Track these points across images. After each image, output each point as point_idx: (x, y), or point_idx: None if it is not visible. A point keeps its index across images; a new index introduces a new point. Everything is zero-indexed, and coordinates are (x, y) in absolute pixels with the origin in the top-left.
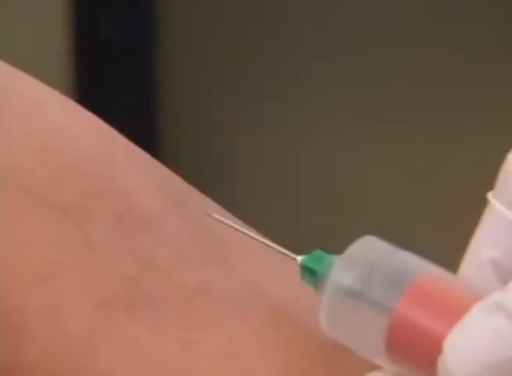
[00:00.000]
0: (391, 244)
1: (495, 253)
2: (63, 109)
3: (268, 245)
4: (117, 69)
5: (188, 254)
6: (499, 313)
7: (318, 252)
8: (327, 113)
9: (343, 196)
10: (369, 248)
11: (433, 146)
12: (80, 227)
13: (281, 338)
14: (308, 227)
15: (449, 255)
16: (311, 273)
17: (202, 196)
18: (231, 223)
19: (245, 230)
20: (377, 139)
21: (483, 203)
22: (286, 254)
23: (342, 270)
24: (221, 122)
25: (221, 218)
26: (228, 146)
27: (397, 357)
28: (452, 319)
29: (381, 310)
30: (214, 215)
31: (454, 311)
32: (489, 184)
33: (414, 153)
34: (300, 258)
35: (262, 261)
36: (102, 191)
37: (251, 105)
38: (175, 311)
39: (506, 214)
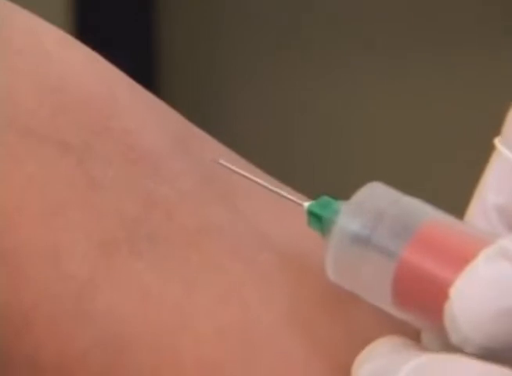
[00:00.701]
0: (398, 191)
1: (501, 199)
2: (66, 47)
3: (274, 191)
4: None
5: (192, 194)
6: (506, 260)
7: (325, 198)
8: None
9: (345, 140)
10: (376, 194)
11: (438, 88)
12: (82, 166)
13: (285, 282)
14: (306, 172)
15: (456, 202)
16: (317, 219)
17: (206, 135)
18: (237, 169)
19: (251, 176)
20: (380, 75)
21: (490, 148)
22: (292, 200)
23: (349, 216)
24: (219, 57)
25: (228, 164)
26: (229, 88)
27: (404, 304)
28: (458, 266)
29: (388, 256)
30: (221, 160)
31: (461, 257)
32: (496, 128)
33: (418, 98)
34: (306, 204)
35: (268, 203)
36: (104, 130)
37: (250, 41)
38: (178, 251)
39: (511, 158)
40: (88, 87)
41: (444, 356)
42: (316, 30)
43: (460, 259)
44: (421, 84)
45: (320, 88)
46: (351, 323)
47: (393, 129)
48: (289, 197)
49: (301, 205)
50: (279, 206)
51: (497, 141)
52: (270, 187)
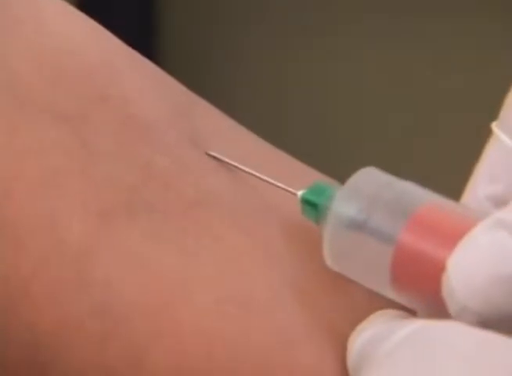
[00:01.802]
0: (392, 175)
1: (496, 184)
2: (65, 16)
3: (267, 181)
4: None
5: (190, 164)
6: (502, 230)
7: (318, 185)
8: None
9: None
10: (371, 179)
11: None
12: (79, 134)
13: (286, 253)
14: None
15: (451, 185)
16: (312, 207)
17: (207, 104)
18: (229, 160)
19: (243, 167)
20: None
21: (487, 132)
22: (285, 190)
23: (344, 201)
24: (221, 23)
25: (222, 157)
26: (228, 53)
27: (403, 286)
28: (455, 244)
29: (385, 240)
30: (215, 154)
31: (457, 236)
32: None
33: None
34: (300, 193)
35: (270, 174)
36: (102, 99)
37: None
38: (176, 220)
39: (509, 144)
40: (88, 56)
41: (440, 322)
42: None
43: (457, 238)
44: (421, 58)
45: (318, 59)
46: (352, 295)
47: (388, 123)
48: (282, 186)
49: (294, 194)
50: (281, 177)
51: (494, 125)
52: (262, 177)
